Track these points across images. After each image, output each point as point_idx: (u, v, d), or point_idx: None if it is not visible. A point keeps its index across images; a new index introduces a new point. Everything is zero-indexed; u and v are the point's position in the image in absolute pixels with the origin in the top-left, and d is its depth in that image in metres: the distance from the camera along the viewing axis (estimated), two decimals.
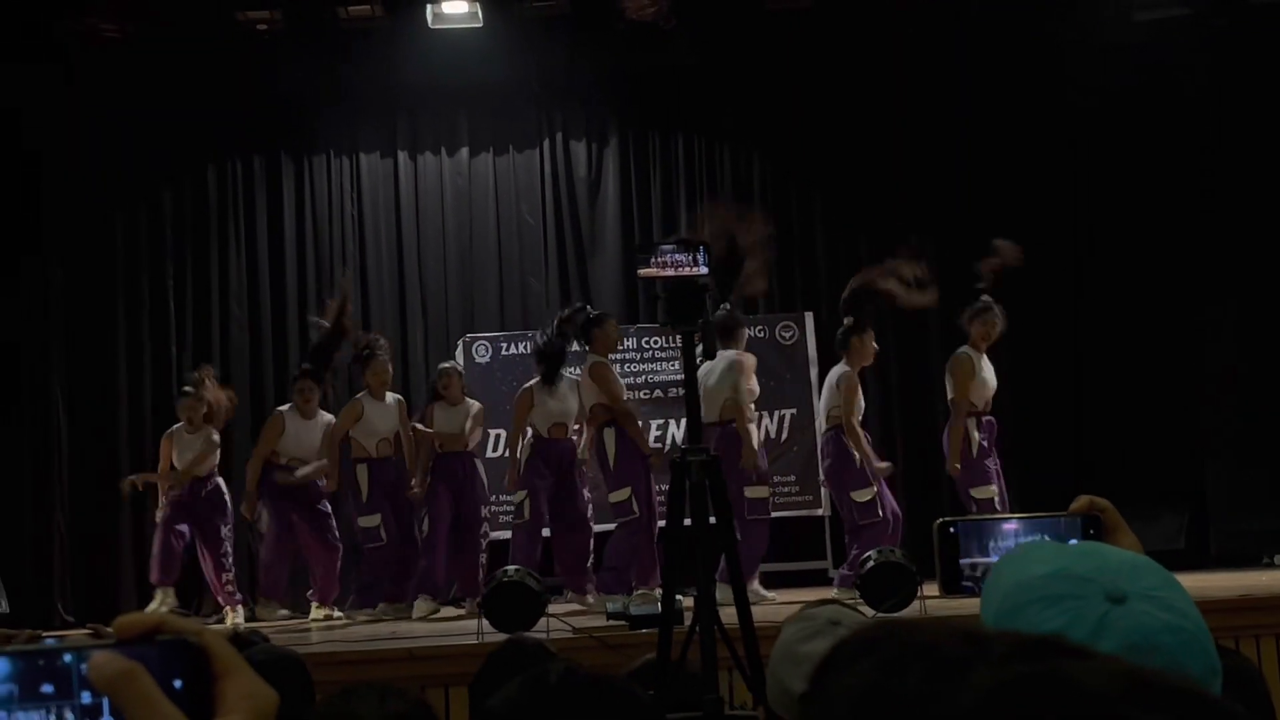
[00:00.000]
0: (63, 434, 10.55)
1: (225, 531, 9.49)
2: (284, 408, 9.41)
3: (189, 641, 0.94)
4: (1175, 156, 10.65)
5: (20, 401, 10.56)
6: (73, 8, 9.74)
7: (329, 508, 9.44)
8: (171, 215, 10.91)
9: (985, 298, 9.10)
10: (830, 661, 0.89)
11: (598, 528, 9.32)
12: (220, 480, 9.60)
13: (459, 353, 10.64)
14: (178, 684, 0.93)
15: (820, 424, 9.57)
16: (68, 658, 0.94)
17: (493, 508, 10.00)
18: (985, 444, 9.08)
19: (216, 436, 9.52)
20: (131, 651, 0.92)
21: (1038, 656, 0.80)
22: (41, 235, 10.65)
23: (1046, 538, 1.90)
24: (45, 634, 3.32)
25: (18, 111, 10.32)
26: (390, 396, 9.36)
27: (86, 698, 0.93)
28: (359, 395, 9.34)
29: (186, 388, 9.60)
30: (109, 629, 0.97)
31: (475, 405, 9.57)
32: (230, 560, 9.47)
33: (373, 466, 9.22)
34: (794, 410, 10.62)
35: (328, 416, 9.39)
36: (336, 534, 9.43)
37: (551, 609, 7.59)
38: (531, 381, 9.27)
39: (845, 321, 9.04)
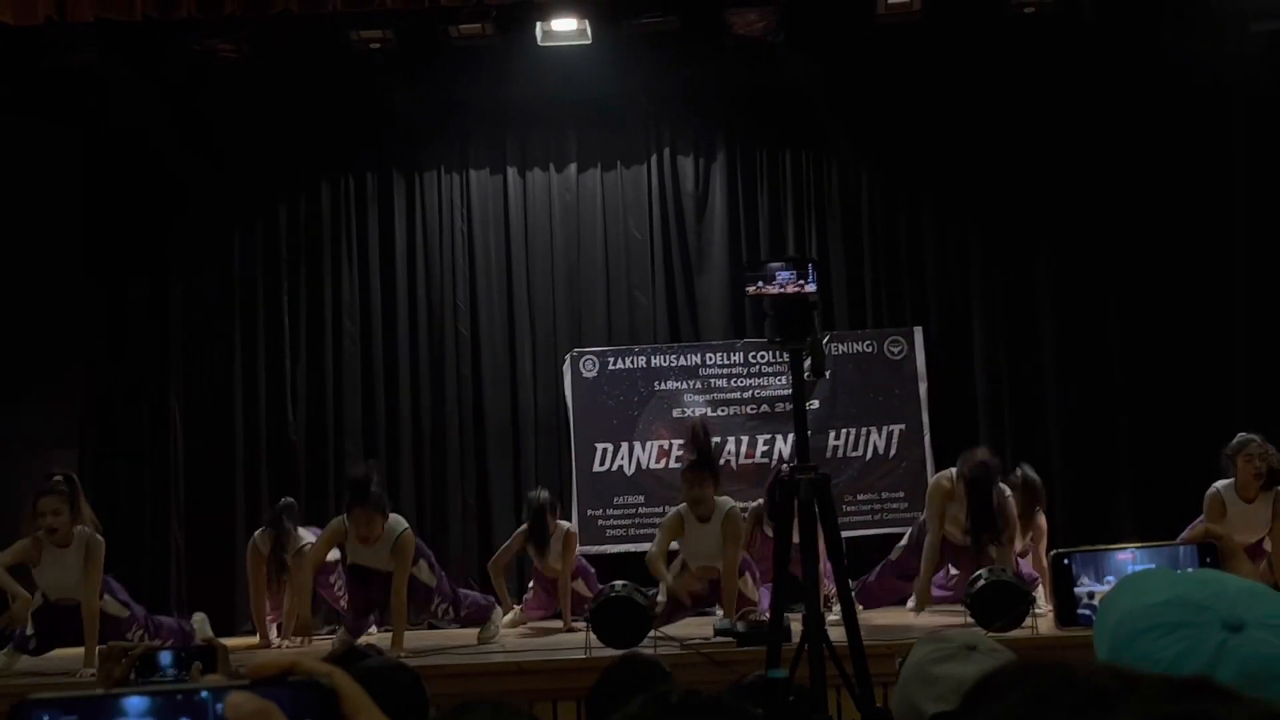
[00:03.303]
0: (179, 449, 10.74)
1: None
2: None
3: (320, 683, 0.97)
4: None
5: (139, 416, 10.77)
6: (190, 29, 9.93)
7: None
8: (286, 231, 11.08)
9: (1244, 434, 8.43)
10: (979, 692, 0.90)
11: None
12: None
13: (566, 367, 10.70)
14: None
15: None
16: (204, 695, 0.97)
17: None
18: None
19: None
20: (266, 692, 0.95)
21: (1185, 697, 0.80)
22: (160, 251, 10.87)
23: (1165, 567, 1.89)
24: (161, 645, 3.39)
25: (139, 129, 10.55)
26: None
27: None
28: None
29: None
30: (221, 641, 1.01)
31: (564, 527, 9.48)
32: None
33: None
34: (902, 426, 10.55)
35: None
36: None
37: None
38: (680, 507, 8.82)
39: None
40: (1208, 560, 1.85)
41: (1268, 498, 8.30)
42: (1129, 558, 1.95)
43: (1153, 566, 1.90)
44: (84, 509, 8.15)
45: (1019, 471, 9.12)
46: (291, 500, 9.49)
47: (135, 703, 0.95)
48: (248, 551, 9.29)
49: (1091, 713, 0.80)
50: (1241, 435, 8.47)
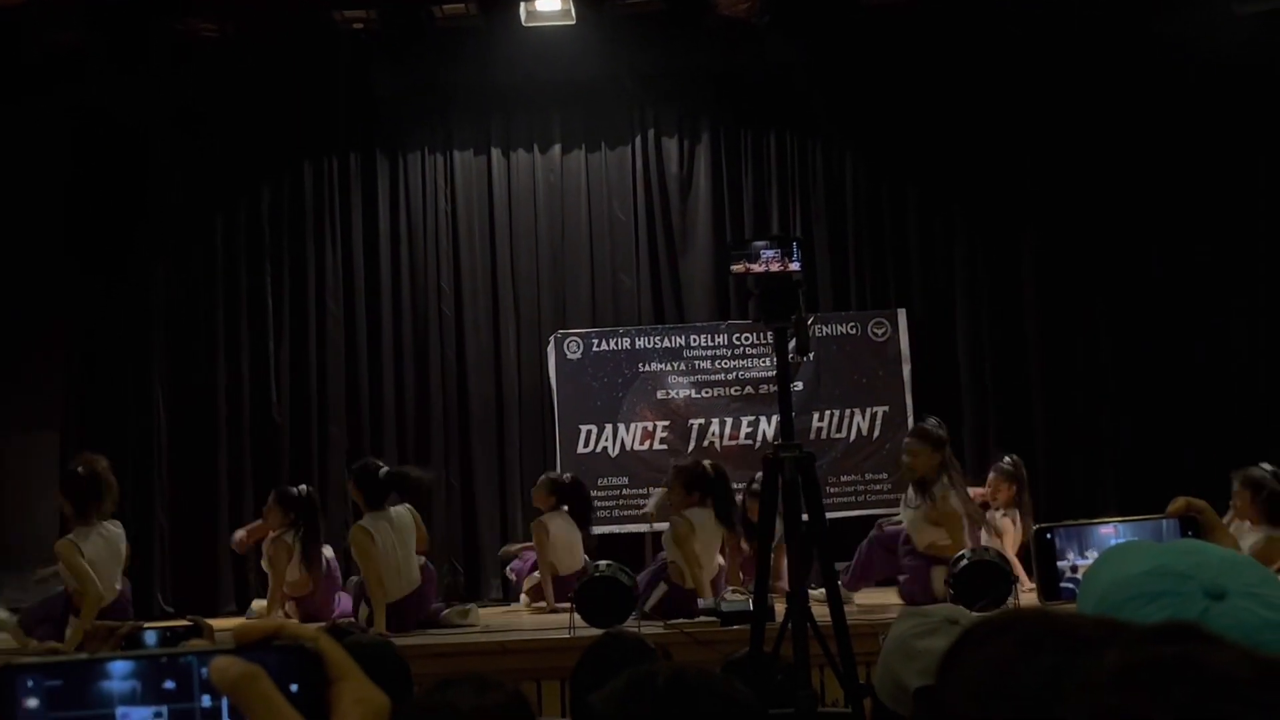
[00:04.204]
0: (163, 429, 10.72)
1: None
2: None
3: (305, 647, 0.97)
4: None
5: (121, 398, 10.74)
6: (171, 8, 9.89)
7: None
8: (269, 212, 11.04)
9: (1265, 465, 7.97)
10: (968, 637, 0.91)
11: None
12: None
13: (550, 349, 10.70)
14: (294, 688, 0.96)
15: None
16: (189, 659, 0.97)
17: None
18: None
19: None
20: (250, 656, 0.95)
21: (1172, 640, 0.81)
22: (143, 231, 10.83)
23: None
24: (146, 625, 3.39)
25: (122, 109, 10.51)
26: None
27: (206, 700, 0.96)
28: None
29: None
30: (208, 621, 1.01)
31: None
32: None
33: None
34: (886, 408, 10.57)
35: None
36: None
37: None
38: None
39: None
40: (1189, 533, 1.86)
41: None
42: (1111, 532, 1.95)
43: (1135, 539, 1.90)
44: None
45: (1006, 459, 9.18)
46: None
47: (120, 666, 0.96)
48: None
49: (1079, 655, 0.82)
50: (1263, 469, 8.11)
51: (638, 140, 11.20)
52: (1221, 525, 1.88)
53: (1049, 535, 1.95)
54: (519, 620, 8.77)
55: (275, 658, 0.96)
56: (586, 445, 10.54)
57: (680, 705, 1.86)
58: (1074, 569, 1.92)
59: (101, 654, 0.97)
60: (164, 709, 0.95)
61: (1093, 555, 1.90)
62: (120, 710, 0.95)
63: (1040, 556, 1.95)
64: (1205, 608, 1.39)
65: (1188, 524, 1.87)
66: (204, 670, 0.95)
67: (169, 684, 0.96)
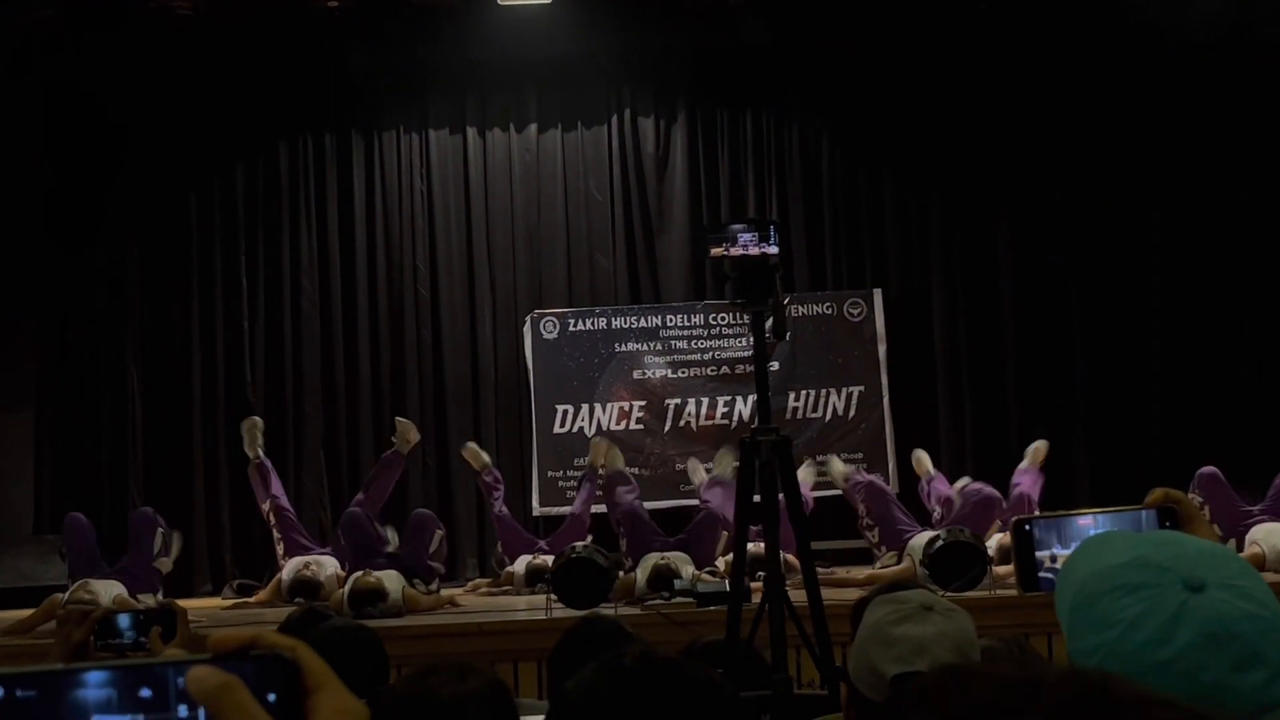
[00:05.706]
0: (137, 408, 10.68)
1: None
2: None
3: (282, 656, 0.97)
4: (1267, 129, 10.53)
5: (96, 378, 10.70)
6: None
7: None
8: (244, 191, 10.99)
9: None
10: (902, 703, 0.92)
11: None
12: None
13: (526, 329, 10.68)
14: (271, 698, 0.95)
15: None
16: (165, 668, 0.96)
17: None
18: None
19: None
20: (227, 666, 0.95)
21: (1087, 705, 0.81)
22: (117, 210, 10.77)
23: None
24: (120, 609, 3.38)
25: (96, 88, 10.44)
26: None
27: (183, 710, 0.96)
28: None
29: None
30: (180, 604, 1.01)
31: None
32: None
33: None
34: (861, 387, 10.59)
35: None
36: None
37: None
38: None
39: None
40: (1167, 524, 1.87)
41: None
42: (1090, 523, 1.96)
43: (1114, 529, 1.91)
44: None
45: None
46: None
47: (95, 675, 0.95)
48: None
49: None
50: None
51: (614, 120, 11.18)
52: (1200, 516, 1.89)
53: (1028, 526, 1.96)
54: (496, 601, 8.77)
55: (252, 667, 0.95)
56: (563, 425, 10.55)
57: (648, 686, 1.87)
58: (1053, 559, 1.93)
59: (76, 664, 0.96)
60: (140, 717, 0.95)
61: (1072, 546, 1.91)
62: (96, 719, 0.94)
63: (1019, 548, 1.95)
64: (1184, 600, 1.39)
65: (1166, 515, 1.88)
66: (180, 679, 0.94)
67: (145, 692, 0.95)
